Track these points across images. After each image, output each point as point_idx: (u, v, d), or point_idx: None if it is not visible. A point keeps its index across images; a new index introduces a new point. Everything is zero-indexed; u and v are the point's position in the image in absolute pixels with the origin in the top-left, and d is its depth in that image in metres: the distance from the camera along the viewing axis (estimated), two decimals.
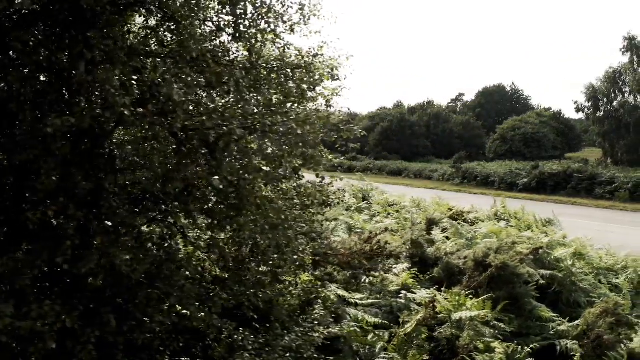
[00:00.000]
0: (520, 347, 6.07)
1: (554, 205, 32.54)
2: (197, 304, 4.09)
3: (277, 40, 4.48)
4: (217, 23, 4.36)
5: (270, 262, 3.97)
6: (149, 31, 4.45)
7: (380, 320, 5.94)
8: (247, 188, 3.18)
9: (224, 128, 3.07)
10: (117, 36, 3.51)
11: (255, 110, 3.44)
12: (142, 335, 3.54)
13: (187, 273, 4.37)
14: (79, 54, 3.27)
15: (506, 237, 8.52)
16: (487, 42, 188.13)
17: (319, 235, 5.32)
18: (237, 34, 3.96)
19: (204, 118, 3.02)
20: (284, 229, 3.59)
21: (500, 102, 68.00)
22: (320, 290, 5.03)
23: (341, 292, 6.09)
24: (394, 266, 8.21)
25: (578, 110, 43.23)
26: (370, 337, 5.59)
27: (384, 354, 5.46)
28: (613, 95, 41.65)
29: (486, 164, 46.12)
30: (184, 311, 3.75)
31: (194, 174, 3.08)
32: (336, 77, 4.47)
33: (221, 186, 3.03)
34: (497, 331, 6.36)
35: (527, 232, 10.32)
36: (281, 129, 3.29)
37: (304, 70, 4.36)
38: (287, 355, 3.88)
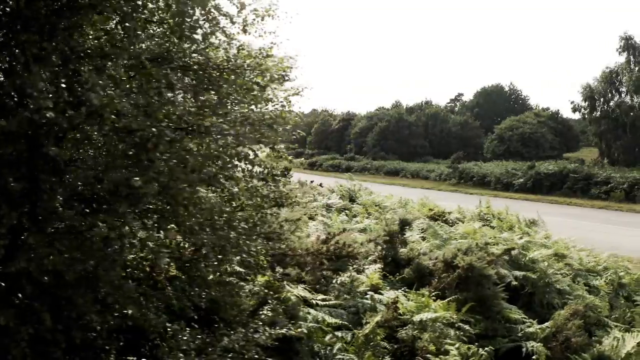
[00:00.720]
0: (481, 349, 6.08)
1: (549, 205, 32.60)
2: (145, 303, 4.14)
3: (229, 40, 4.51)
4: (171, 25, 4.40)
5: (216, 263, 4.00)
6: (102, 33, 4.49)
7: (340, 321, 5.97)
8: (175, 189, 3.22)
9: (153, 130, 3.11)
10: (58, 39, 3.54)
11: (192, 111, 3.47)
12: (79, 333, 3.58)
13: (137, 272, 4.42)
14: (14, 56, 3.31)
15: (480, 238, 8.54)
16: (486, 41, 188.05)
17: (278, 236, 5.34)
18: (181, 36, 3.99)
19: (130, 119, 3.06)
20: (216, 230, 3.61)
21: (498, 102, 67.94)
22: (274, 291, 5.05)
23: (303, 293, 6.12)
24: (367, 267, 8.24)
25: (575, 110, 43.28)
26: (327, 337, 5.62)
27: (342, 354, 5.48)
28: (610, 95, 41.63)
29: (483, 164, 46.16)
30: (126, 310, 3.79)
31: (123, 175, 3.12)
32: (287, 78, 4.50)
33: (148, 188, 3.07)
34: (461, 333, 6.37)
35: (506, 233, 10.34)
36: (213, 129, 3.32)
37: (255, 71, 4.39)
38: (230, 355, 3.91)
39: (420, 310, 6.29)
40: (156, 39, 4.46)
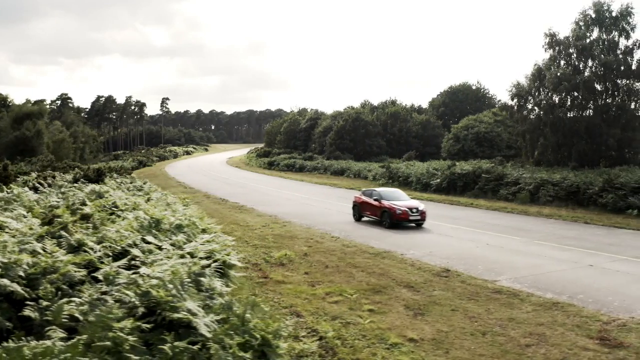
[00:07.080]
0: None
1: (449, 206, 31.92)
2: None
3: None
4: None
5: None
6: None
7: None
8: None
9: None
10: None
11: None
12: None
13: None
14: None
15: None
16: (479, 42, 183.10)
17: None
18: None
19: None
20: None
21: (464, 101, 66.28)
22: None
23: None
24: None
25: (502, 109, 41.83)
26: None
27: None
28: (537, 93, 40.08)
29: (414, 163, 45.44)
30: None
31: None
32: None
33: None
34: None
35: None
36: None
37: None
38: None
39: None
40: None
